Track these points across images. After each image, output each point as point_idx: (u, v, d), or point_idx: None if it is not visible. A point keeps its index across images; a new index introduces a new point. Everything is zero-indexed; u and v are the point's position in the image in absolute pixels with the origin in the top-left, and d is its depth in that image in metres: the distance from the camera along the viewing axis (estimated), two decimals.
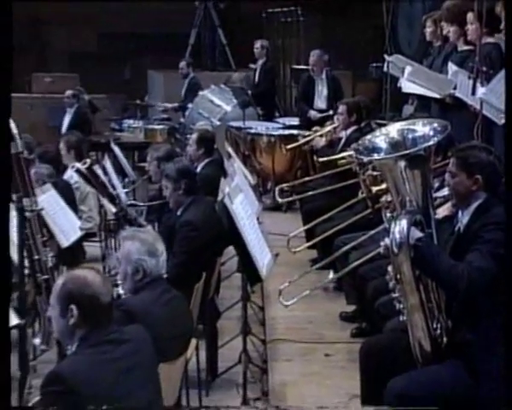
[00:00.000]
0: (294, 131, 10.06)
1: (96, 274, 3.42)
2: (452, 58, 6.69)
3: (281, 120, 11.19)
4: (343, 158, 6.83)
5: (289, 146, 9.46)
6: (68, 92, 12.63)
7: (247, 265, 4.40)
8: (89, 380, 3.09)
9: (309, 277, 6.24)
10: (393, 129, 4.07)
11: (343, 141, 7.83)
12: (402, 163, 3.79)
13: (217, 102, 11.80)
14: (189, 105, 12.20)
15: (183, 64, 12.95)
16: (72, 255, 6.59)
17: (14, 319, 4.73)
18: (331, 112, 9.28)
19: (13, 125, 5.31)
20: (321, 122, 9.39)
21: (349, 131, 7.88)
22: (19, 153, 5.31)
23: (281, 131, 10.39)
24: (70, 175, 8.16)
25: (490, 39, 6.05)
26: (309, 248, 6.58)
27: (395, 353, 3.98)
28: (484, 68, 5.68)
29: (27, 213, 5.37)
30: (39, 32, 15.26)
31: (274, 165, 9.91)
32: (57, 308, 3.30)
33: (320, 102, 10.38)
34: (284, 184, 7.96)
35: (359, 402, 4.22)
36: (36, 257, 5.42)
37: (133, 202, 7.49)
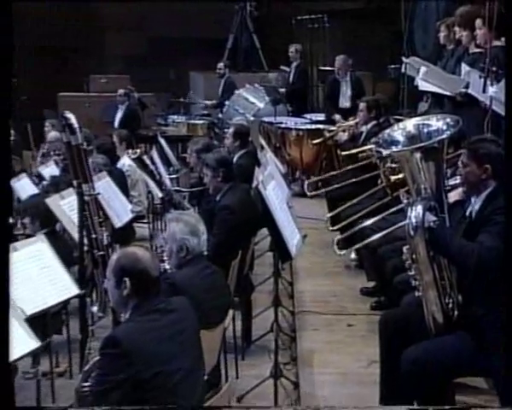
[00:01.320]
0: (320, 126, 10.00)
1: (145, 251, 3.45)
2: (464, 59, 6.64)
3: (308, 115, 11.13)
4: (363, 152, 6.77)
5: (315, 141, 9.42)
6: (120, 91, 12.74)
7: (279, 244, 4.38)
8: (140, 344, 3.11)
9: (333, 256, 6.24)
10: (410, 124, 4.03)
11: (364, 135, 7.76)
12: (418, 155, 3.76)
13: (251, 100, 11.79)
14: (226, 102, 12.21)
15: (220, 66, 12.96)
16: (124, 235, 6.64)
17: (74, 290, 4.78)
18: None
19: (74, 120, 5.35)
20: (344, 118, 9.36)
21: (369, 126, 7.80)
22: (79, 144, 5.35)
23: (308, 126, 10.31)
24: (122, 164, 8.21)
25: (497, 42, 5.98)
26: (332, 230, 6.55)
27: (411, 324, 3.96)
28: (493, 68, 5.63)
29: (86, 197, 5.41)
30: (97, 37, 15.32)
31: (302, 156, 9.89)
32: (112, 281, 3.32)
33: (344, 100, 10.35)
34: (313, 179, 7.92)
35: (378, 367, 4.20)
36: (93, 236, 5.47)
37: (177, 188, 7.50)
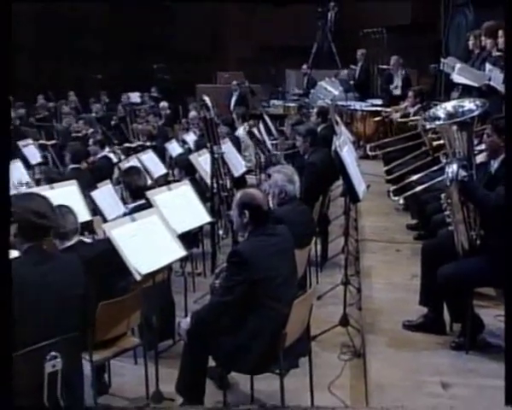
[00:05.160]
0: (378, 108, 9.73)
1: (259, 192, 3.44)
2: (488, 60, 6.39)
3: (370, 100, 10.88)
4: (413, 121, 6.61)
5: (375, 119, 9.24)
6: (234, 82, 12.80)
7: (350, 190, 4.32)
8: (254, 256, 3.12)
9: (387, 200, 6.20)
10: (449, 105, 3.87)
11: (411, 115, 7.53)
12: (454, 127, 3.62)
13: (329, 89, 11.54)
14: (311, 90, 12.05)
15: (304, 67, 12.91)
16: (240, 182, 6.69)
17: (207, 218, 4.80)
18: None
19: (208, 101, 5.41)
20: (396, 102, 9.12)
21: (415, 108, 7.53)
22: (212, 118, 5.41)
23: (370, 108, 10.05)
24: (239, 133, 8.24)
25: None
26: (387, 182, 6.43)
27: (444, 250, 3.84)
28: None
29: (215, 155, 5.46)
30: (221, 44, 15.35)
31: (365, 129, 9.68)
32: (236, 212, 3.31)
33: (396, 89, 10.04)
34: (373, 143, 7.74)
35: (418, 280, 4.11)
36: (220, 182, 5.53)
37: (276, 151, 7.48)
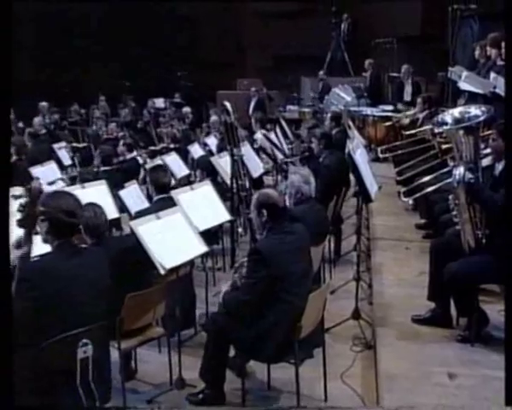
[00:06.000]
0: (389, 114, 9.67)
1: (273, 191, 3.42)
2: (493, 69, 6.30)
3: (381, 106, 10.81)
4: (421, 132, 6.54)
5: (386, 124, 9.17)
6: (252, 89, 12.76)
7: (363, 191, 4.30)
8: (272, 253, 3.11)
9: (397, 201, 6.21)
10: (456, 111, 3.85)
11: (420, 120, 7.49)
12: (461, 132, 3.60)
13: (342, 95, 11.43)
14: (326, 97, 11.97)
15: (320, 73, 12.82)
16: (258, 182, 6.67)
17: (227, 216, 4.74)
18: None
19: (229, 107, 5.40)
20: (406, 108, 9.07)
21: (424, 114, 7.51)
22: (232, 122, 5.40)
23: (381, 113, 9.98)
24: (257, 136, 8.21)
25: None
26: (397, 184, 6.39)
27: (451, 248, 3.81)
28: None
29: (235, 157, 5.45)
30: (240, 54, 15.35)
31: (376, 134, 9.57)
32: (255, 212, 3.30)
33: (406, 96, 9.98)
34: (384, 147, 7.69)
35: (425, 277, 4.07)
36: (239, 182, 5.52)
37: (292, 153, 7.44)
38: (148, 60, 14.55)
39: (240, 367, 3.34)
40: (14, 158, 7.41)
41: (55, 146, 8.09)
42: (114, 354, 3.11)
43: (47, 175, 6.02)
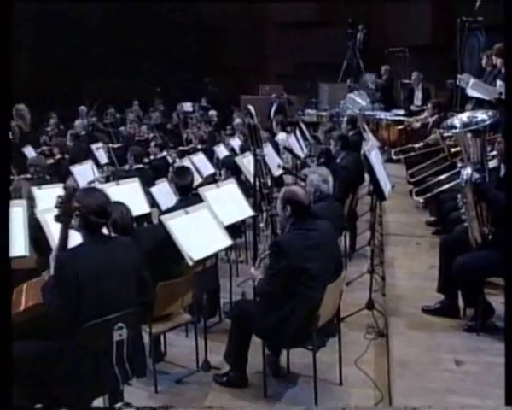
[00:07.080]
0: (401, 118, 9.56)
1: (300, 189, 3.34)
2: (499, 77, 6.23)
3: (393, 111, 10.70)
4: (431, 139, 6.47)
5: (398, 127, 9.10)
6: (274, 94, 12.70)
7: (377, 190, 4.25)
8: (293, 247, 3.06)
9: (408, 199, 6.13)
10: (464, 115, 3.79)
11: (430, 125, 7.40)
12: (469, 135, 3.55)
13: (357, 100, 11.33)
14: (342, 102, 11.86)
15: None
16: (278, 181, 6.65)
17: (250, 212, 4.69)
18: (424, 107, 8.81)
19: (253, 110, 5.33)
20: (417, 113, 8.96)
21: (434, 118, 7.43)
22: (255, 125, 5.34)
23: (394, 117, 9.88)
24: (277, 138, 8.19)
25: None
26: (409, 183, 6.31)
27: (460, 244, 3.76)
28: None
29: (258, 157, 5.38)
30: (262, 62, 15.30)
31: (389, 136, 9.51)
32: (280, 206, 3.25)
33: (417, 101, 9.83)
34: (397, 149, 7.61)
35: (435, 270, 4.03)
36: (262, 180, 5.44)
37: (310, 153, 7.40)
38: (178, 67, 14.61)
39: (276, 365, 3.39)
40: (58, 157, 7.56)
41: (93, 146, 8.17)
42: (145, 338, 3.13)
43: (85, 172, 6.10)
